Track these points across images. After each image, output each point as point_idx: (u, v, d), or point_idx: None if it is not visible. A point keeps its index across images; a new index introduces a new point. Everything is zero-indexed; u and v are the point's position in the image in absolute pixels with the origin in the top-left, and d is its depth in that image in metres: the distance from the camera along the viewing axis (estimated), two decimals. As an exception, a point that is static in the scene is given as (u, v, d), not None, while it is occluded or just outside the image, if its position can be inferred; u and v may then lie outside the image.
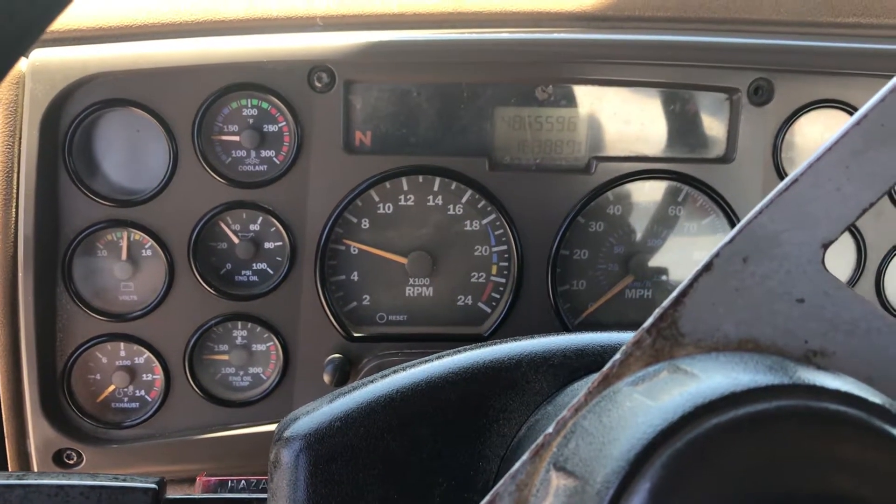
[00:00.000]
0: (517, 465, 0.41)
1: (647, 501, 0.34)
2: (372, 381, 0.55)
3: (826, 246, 0.42)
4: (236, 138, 1.09)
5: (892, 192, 1.17)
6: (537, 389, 0.54)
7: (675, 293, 0.42)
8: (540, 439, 0.41)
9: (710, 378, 0.37)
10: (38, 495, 0.56)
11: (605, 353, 0.55)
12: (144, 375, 1.15)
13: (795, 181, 0.41)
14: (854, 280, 1.19)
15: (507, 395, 0.54)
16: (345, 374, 1.12)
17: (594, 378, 0.42)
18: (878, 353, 0.41)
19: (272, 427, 0.98)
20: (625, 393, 0.40)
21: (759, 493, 0.34)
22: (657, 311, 0.42)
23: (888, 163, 0.41)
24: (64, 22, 1.07)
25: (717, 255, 0.42)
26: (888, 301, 1.21)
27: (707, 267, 0.42)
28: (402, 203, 1.14)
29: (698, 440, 0.35)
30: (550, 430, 0.41)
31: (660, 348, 0.42)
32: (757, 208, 0.42)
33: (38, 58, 1.03)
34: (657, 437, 0.35)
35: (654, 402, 0.37)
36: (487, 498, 0.41)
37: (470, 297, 1.18)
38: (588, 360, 0.55)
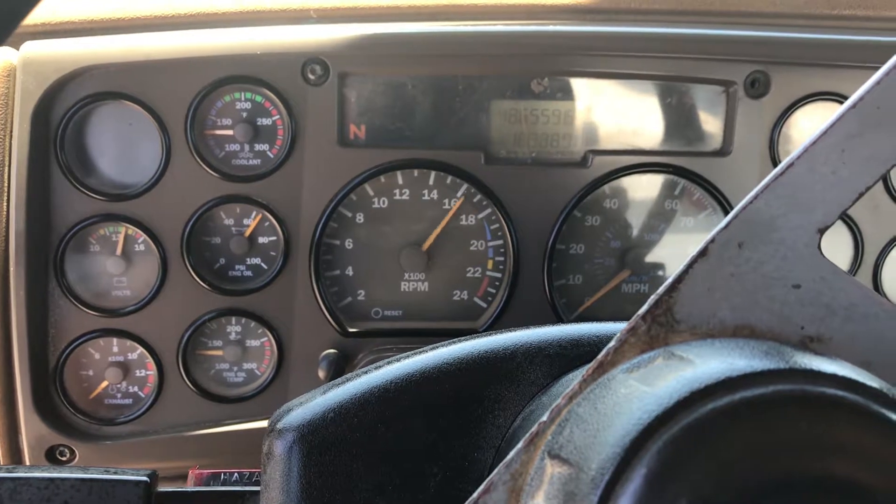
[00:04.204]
0: (511, 453, 0.40)
1: (642, 487, 0.34)
2: (366, 373, 0.54)
3: (822, 231, 0.41)
4: (230, 132, 1.08)
5: (891, 186, 1.17)
6: (532, 380, 0.54)
7: (670, 279, 0.41)
8: (534, 428, 0.40)
9: (706, 363, 0.37)
10: (29, 488, 0.56)
11: (601, 343, 0.54)
12: (138, 371, 1.14)
13: (791, 165, 0.41)
14: (851, 274, 1.19)
15: (502, 386, 0.53)
16: (340, 370, 1.11)
17: (589, 367, 0.41)
18: (875, 338, 0.41)
19: (266, 423, 0.97)
20: (619, 380, 0.39)
21: (755, 479, 0.33)
22: (652, 298, 0.41)
23: (884, 146, 0.40)
24: (55, 14, 1.06)
25: (712, 240, 0.41)
26: (885, 295, 1.21)
27: (702, 253, 0.41)
28: (397, 197, 1.13)
29: (694, 425, 0.34)
30: (545, 418, 0.40)
31: (655, 335, 0.41)
32: (752, 193, 0.41)
33: (30, 50, 1.02)
34: (653, 423, 0.35)
35: (650, 387, 0.37)
36: (482, 487, 0.40)
37: (466, 292, 1.17)
38: (583, 351, 0.55)
